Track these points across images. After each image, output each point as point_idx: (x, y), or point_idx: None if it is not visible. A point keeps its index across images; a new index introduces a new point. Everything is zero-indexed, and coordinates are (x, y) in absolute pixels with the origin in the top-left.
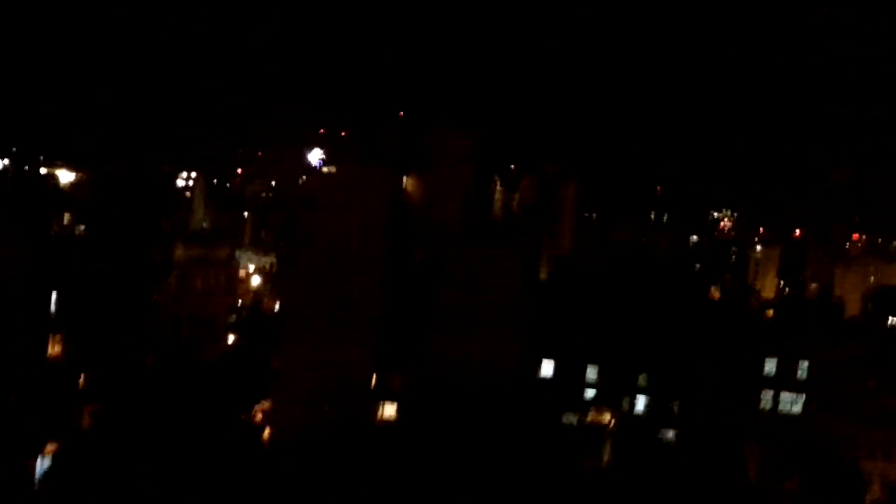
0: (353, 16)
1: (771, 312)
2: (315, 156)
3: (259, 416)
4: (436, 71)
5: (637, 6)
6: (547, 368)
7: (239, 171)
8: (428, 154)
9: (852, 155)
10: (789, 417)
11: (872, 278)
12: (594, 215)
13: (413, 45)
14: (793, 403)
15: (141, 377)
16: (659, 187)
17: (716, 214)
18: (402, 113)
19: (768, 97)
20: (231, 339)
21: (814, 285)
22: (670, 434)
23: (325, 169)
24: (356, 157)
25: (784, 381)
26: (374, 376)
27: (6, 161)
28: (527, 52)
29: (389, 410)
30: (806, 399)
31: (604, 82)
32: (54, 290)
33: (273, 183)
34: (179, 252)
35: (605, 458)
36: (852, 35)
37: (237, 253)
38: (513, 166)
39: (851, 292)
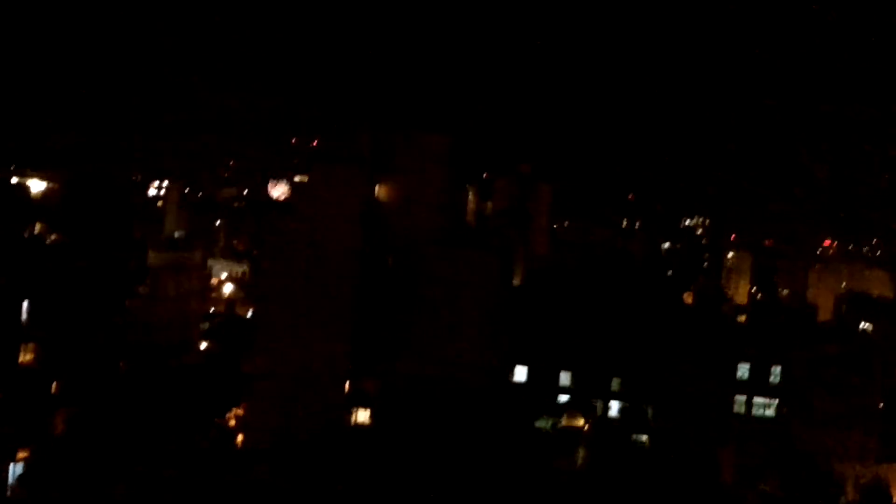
0: (325, 19)
1: (744, 318)
2: (278, 190)
3: (233, 422)
4: (409, 74)
5: (609, 12)
6: (521, 373)
7: (212, 178)
8: (401, 158)
9: (825, 160)
10: (763, 421)
11: (845, 283)
12: (568, 221)
13: (386, 49)
14: (766, 407)
15: (114, 383)
16: (632, 194)
17: (688, 221)
18: (375, 117)
19: (741, 103)
20: (204, 345)
21: (786, 290)
22: (644, 438)
23: (297, 178)
24: (329, 162)
25: (757, 385)
26: (348, 381)
27: None
28: (501, 55)
29: (363, 415)
30: (779, 403)
31: (577, 88)
32: (26, 297)
33: (246, 190)
34: (152, 259)
35: (579, 462)
36: (826, 37)
37: (210, 261)
38: (487, 170)
39: (824, 297)
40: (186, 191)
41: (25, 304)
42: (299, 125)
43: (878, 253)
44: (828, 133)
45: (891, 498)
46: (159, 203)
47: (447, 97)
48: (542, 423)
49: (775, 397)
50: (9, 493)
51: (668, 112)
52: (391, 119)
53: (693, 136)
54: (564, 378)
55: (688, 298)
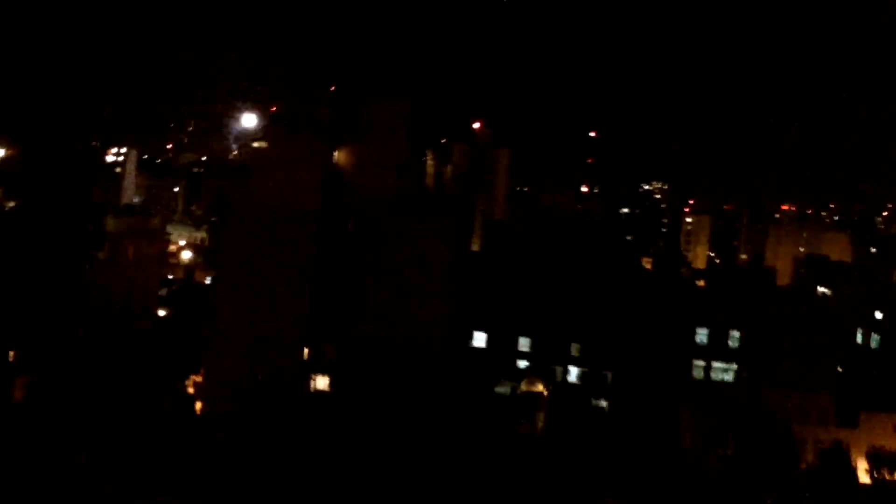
0: None
1: (702, 282)
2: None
3: (191, 388)
4: (367, 39)
5: None
6: (480, 339)
7: (170, 144)
8: (360, 124)
9: (783, 125)
10: (722, 386)
11: (803, 247)
12: (526, 186)
13: (343, 14)
14: (725, 372)
15: (72, 349)
16: (591, 158)
17: (647, 185)
18: (334, 83)
19: (699, 67)
20: (163, 311)
21: (745, 255)
22: (603, 403)
23: (255, 144)
24: (288, 128)
25: (716, 349)
26: (308, 346)
27: None
28: (458, 19)
29: (322, 380)
30: (738, 367)
31: (536, 51)
32: None
33: (204, 156)
34: (111, 224)
35: (539, 427)
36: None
37: (169, 227)
38: (445, 135)
39: (782, 261)
40: (145, 156)
41: None
42: (258, 90)
43: (836, 217)
44: (786, 97)
45: (850, 462)
46: (117, 169)
47: (405, 62)
48: (502, 389)
49: (734, 362)
50: None
51: (626, 76)
52: (350, 84)
53: (652, 101)
54: (524, 343)
55: (647, 263)
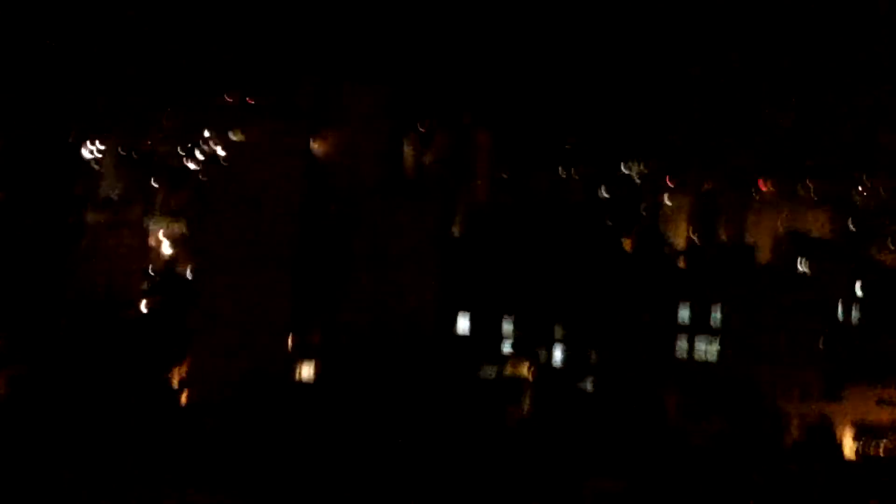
0: None
1: (683, 260)
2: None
3: (177, 378)
4: (345, 25)
5: None
6: (463, 322)
7: (148, 135)
8: (341, 110)
9: (761, 101)
10: (705, 363)
11: (783, 223)
12: (507, 169)
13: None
14: (708, 349)
15: (56, 341)
16: (570, 141)
17: (626, 166)
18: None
19: (674, 46)
20: (145, 302)
21: (725, 232)
22: (588, 384)
23: (234, 134)
24: (267, 117)
25: (699, 327)
26: (292, 334)
27: None
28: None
29: (307, 367)
30: (721, 345)
31: (513, 35)
32: None
33: (183, 147)
34: (90, 217)
35: (525, 409)
36: None
37: (147, 219)
38: (425, 119)
39: (763, 238)
40: (123, 148)
41: None
42: (235, 80)
43: (816, 192)
44: (762, 73)
45: (835, 436)
46: (96, 162)
47: (384, 48)
48: (486, 372)
49: (717, 339)
50: None
51: (603, 57)
52: (328, 71)
53: (629, 81)
54: (507, 326)
55: (627, 244)
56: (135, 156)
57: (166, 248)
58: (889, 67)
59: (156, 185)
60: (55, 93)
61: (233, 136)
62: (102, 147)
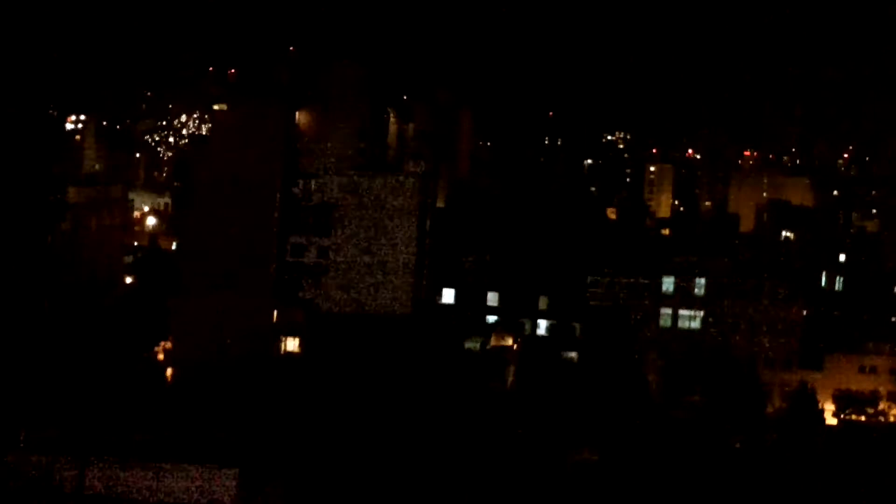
0: None
1: (667, 231)
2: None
3: (160, 355)
4: (326, 4)
5: None
6: (448, 295)
7: (128, 111)
8: (321, 87)
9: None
10: (688, 333)
11: (766, 193)
12: (489, 142)
13: None
14: (691, 319)
15: (39, 320)
16: (552, 112)
17: (609, 136)
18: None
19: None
20: (129, 279)
21: (708, 202)
22: (572, 355)
23: (216, 107)
24: (248, 92)
25: (682, 297)
26: (276, 310)
27: None
28: None
29: (292, 343)
30: (704, 314)
31: (495, 7)
32: None
33: (164, 122)
34: (72, 194)
35: (510, 381)
36: None
37: (131, 194)
38: (406, 94)
39: (745, 207)
40: (104, 124)
41: None
42: (216, 58)
43: (798, 162)
44: (746, 44)
45: (816, 404)
46: (77, 137)
47: (365, 25)
48: (471, 344)
49: (700, 309)
50: None
51: (586, 27)
52: (310, 47)
53: (612, 50)
54: (492, 298)
55: (611, 214)
56: (116, 132)
57: (149, 224)
58: (870, 37)
59: (137, 161)
60: (35, 71)
61: (213, 114)
62: (82, 125)
